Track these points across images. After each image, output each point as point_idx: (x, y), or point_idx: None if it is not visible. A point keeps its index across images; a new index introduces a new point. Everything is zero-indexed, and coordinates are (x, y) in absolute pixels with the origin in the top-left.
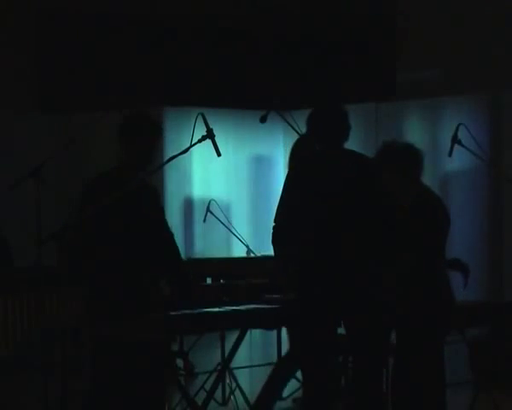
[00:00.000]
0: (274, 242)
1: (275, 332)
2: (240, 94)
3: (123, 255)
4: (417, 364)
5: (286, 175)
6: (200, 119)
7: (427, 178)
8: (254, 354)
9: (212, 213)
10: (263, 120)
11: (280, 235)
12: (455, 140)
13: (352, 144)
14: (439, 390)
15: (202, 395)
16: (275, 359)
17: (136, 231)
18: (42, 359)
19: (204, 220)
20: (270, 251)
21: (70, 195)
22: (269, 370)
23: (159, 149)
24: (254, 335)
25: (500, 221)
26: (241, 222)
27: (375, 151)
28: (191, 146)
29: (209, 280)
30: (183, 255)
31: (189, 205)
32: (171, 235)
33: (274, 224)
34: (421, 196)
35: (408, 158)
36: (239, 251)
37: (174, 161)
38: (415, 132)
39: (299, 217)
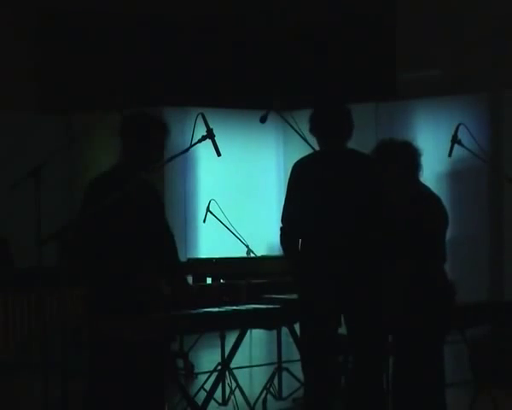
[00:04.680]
0: (282, 243)
1: (275, 332)
2: (240, 94)
3: (123, 255)
4: (417, 364)
5: (289, 175)
6: (200, 119)
7: (427, 179)
8: (254, 354)
9: (212, 213)
10: (263, 120)
11: (287, 236)
12: (455, 140)
13: (352, 144)
14: (439, 390)
15: (202, 395)
16: (275, 359)
17: (137, 230)
18: (42, 359)
19: (204, 220)
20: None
21: (70, 195)
22: (269, 370)
23: (165, 148)
24: (254, 335)
25: (500, 221)
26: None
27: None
28: (191, 146)
29: (209, 280)
30: (183, 255)
31: (189, 205)
32: (171, 235)
33: (281, 225)
34: (420, 196)
35: (406, 156)
36: (239, 251)
37: (175, 160)
38: (415, 132)
39: (303, 217)
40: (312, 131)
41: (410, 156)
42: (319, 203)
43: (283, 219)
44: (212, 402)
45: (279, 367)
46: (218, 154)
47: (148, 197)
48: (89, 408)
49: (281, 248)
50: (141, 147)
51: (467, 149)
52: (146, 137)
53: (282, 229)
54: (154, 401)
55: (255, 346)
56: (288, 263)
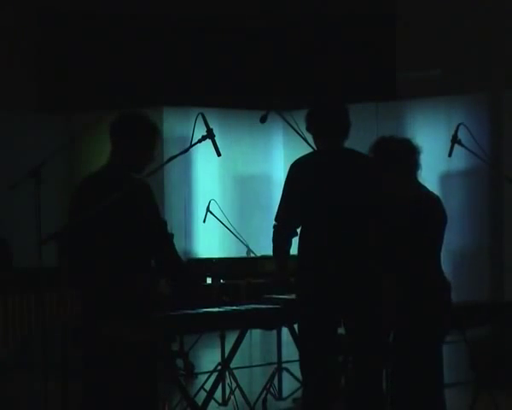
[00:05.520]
0: (274, 240)
1: (275, 332)
2: (240, 94)
3: (122, 255)
4: (416, 364)
5: (287, 174)
6: (200, 119)
7: (428, 179)
8: (254, 354)
9: (212, 213)
10: (263, 120)
11: (280, 234)
12: (455, 140)
13: (352, 144)
14: (438, 390)
15: (202, 395)
16: (275, 359)
17: (135, 230)
18: (42, 359)
19: (204, 220)
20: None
21: (70, 195)
22: (269, 370)
23: (156, 149)
24: (254, 335)
25: (500, 221)
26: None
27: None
28: (191, 146)
29: (209, 280)
30: (183, 255)
31: (188, 205)
32: (169, 235)
33: (275, 223)
34: (419, 196)
35: (405, 154)
36: (239, 251)
37: (174, 160)
38: (414, 132)
39: (299, 217)
40: (309, 129)
41: (409, 154)
42: (318, 203)
43: (278, 218)
44: (212, 402)
45: (279, 367)
46: (218, 154)
47: (143, 198)
48: (88, 408)
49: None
50: (131, 147)
51: (467, 148)
52: (135, 137)
53: (275, 227)
54: (153, 401)
55: (255, 346)
56: (275, 262)
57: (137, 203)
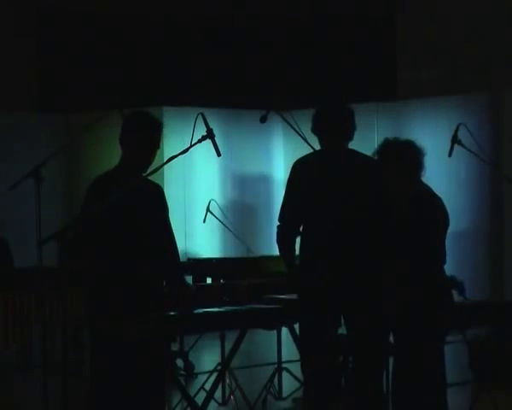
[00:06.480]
0: (278, 241)
1: (275, 332)
2: (240, 94)
3: (123, 255)
4: (417, 364)
5: (289, 174)
6: (200, 119)
7: (428, 179)
8: (254, 354)
9: (212, 213)
10: (263, 120)
11: (284, 234)
12: (455, 140)
13: (352, 144)
14: (439, 390)
15: (202, 395)
16: (275, 359)
17: (137, 230)
18: (42, 359)
19: (204, 220)
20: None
21: (70, 195)
22: (269, 370)
23: (157, 146)
24: (254, 335)
25: (500, 221)
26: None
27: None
28: (191, 146)
29: (209, 280)
30: (183, 255)
31: (189, 205)
32: (172, 236)
33: (278, 223)
34: (421, 196)
35: (408, 156)
36: (239, 251)
37: (174, 161)
38: (415, 132)
39: (301, 217)
40: (314, 130)
41: (412, 156)
42: (319, 203)
43: (281, 218)
44: (212, 402)
45: (279, 367)
46: (218, 154)
47: (148, 198)
48: (89, 408)
49: (277, 247)
50: (140, 147)
51: (467, 149)
52: (146, 137)
53: (278, 227)
54: (154, 401)
55: (255, 346)
56: (285, 262)
57: (143, 204)
